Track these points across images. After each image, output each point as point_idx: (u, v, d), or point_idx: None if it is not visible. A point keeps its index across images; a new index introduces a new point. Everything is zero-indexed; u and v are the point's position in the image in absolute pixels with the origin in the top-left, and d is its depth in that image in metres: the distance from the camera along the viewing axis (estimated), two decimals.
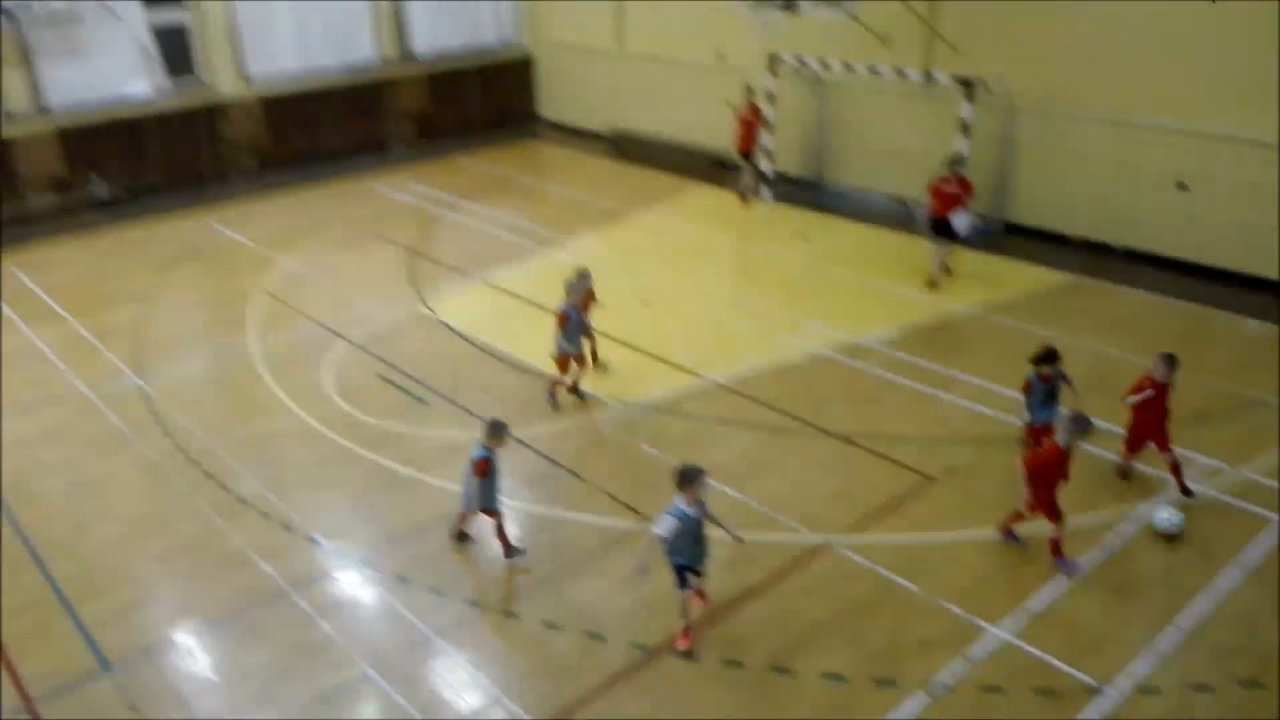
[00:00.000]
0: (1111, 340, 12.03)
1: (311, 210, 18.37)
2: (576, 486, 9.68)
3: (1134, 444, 9.23)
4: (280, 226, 17.49)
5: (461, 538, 8.90)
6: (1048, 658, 7.27)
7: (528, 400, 11.33)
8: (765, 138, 17.54)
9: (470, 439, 10.42)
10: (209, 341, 13.24)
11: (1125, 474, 9.43)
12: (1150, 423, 9.02)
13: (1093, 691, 6.94)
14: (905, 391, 11.12)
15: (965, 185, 13.33)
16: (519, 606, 8.09)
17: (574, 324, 10.90)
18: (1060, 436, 7.95)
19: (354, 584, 8.50)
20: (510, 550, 8.64)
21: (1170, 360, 8.98)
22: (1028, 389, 9.21)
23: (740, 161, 17.79)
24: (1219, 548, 8.33)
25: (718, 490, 9.42)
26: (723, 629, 7.73)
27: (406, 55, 22.54)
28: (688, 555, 7.43)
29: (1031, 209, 15.61)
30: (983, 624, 7.63)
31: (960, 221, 13.14)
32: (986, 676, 7.13)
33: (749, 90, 17.50)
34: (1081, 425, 7.92)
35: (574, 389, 11.24)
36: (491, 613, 8.05)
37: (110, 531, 9.27)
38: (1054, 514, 8.09)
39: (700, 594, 7.83)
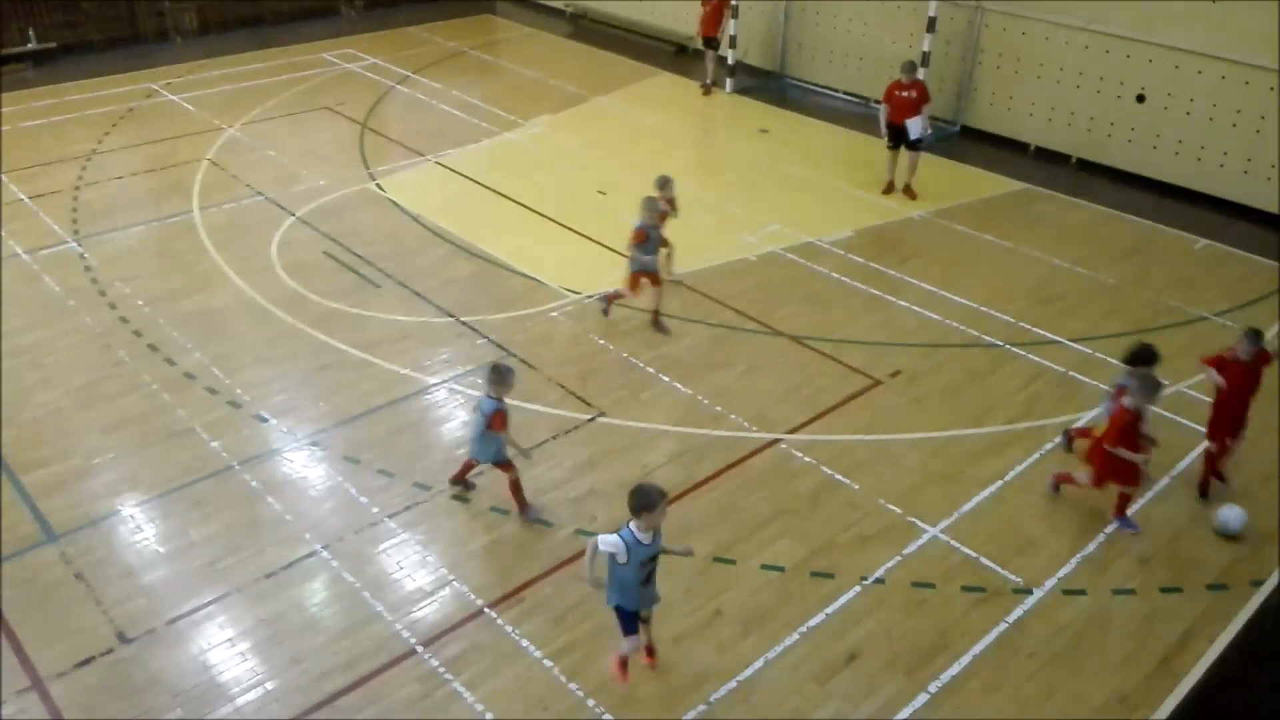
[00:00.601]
0: (1061, 252, 12.19)
1: (258, 77, 17.64)
2: (528, 375, 9.68)
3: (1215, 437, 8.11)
4: (225, 93, 16.81)
5: (465, 485, 8.24)
6: (979, 557, 7.56)
7: (478, 285, 11.23)
8: (731, 26, 17.13)
9: (418, 322, 10.41)
10: (151, 209, 12.81)
11: (1204, 491, 8.28)
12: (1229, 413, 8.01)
13: (1020, 591, 7.26)
14: (857, 294, 11.21)
15: (922, 91, 13.04)
16: (469, 491, 8.16)
17: (653, 240, 10.14)
18: (1130, 400, 7.43)
19: (303, 463, 8.49)
20: (525, 507, 7.92)
21: (1255, 336, 7.87)
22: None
23: (703, 48, 17.39)
24: (1154, 459, 8.62)
25: (667, 384, 9.52)
26: (669, 519, 7.84)
27: None
28: (633, 597, 6.09)
29: (989, 114, 15.58)
30: (919, 523, 7.89)
31: (914, 127, 12.98)
32: (920, 573, 7.41)
33: None
34: (1153, 387, 7.44)
35: (655, 320, 10.43)
36: (441, 496, 8.11)
37: (52, 400, 9.11)
38: (1132, 478, 7.65)
39: (649, 651, 6.61)
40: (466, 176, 13.95)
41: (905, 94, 12.95)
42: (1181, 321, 10.79)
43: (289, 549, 7.54)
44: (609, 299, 10.54)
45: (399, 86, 17.41)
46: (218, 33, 19.73)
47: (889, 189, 13.49)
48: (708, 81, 17.43)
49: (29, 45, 17.74)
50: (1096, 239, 12.66)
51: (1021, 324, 10.64)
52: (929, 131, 13.27)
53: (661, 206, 10.35)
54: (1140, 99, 13.97)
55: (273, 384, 9.43)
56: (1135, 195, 13.82)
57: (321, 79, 17.64)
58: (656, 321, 10.44)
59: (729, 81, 17.52)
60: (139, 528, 7.72)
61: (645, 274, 10.20)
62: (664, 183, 10.74)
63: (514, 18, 21.88)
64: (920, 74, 13.51)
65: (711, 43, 17.18)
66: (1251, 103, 12.95)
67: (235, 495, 8.05)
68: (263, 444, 8.67)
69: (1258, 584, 7.37)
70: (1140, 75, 13.87)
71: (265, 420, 8.95)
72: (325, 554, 7.49)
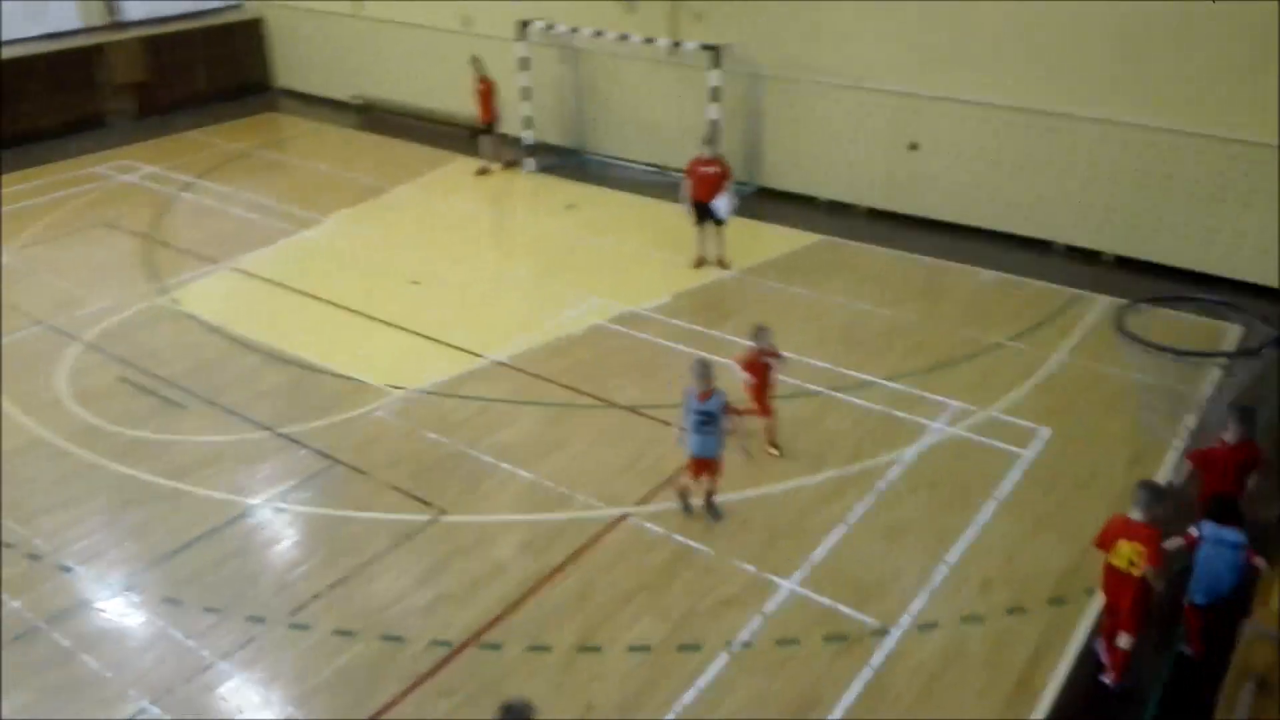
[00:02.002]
0: (861, 296, 12.80)
1: (23, 198, 16.41)
2: (359, 482, 9.26)
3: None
4: None
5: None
6: (836, 605, 7.69)
7: (294, 393, 10.72)
8: (524, 106, 17.31)
9: (232, 440, 9.80)
10: None
11: None
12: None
13: (878, 633, 7.41)
14: (683, 358, 11.31)
15: (724, 168, 13.31)
16: (307, 617, 7.66)
17: (717, 415, 8.21)
18: (1230, 434, 7.42)
19: (118, 612, 7.76)
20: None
21: (1246, 416, 7.58)
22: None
23: (482, 133, 17.48)
24: (974, 484, 9.09)
25: (508, 472, 9.31)
26: (526, 615, 7.65)
27: (115, 19, 20.48)
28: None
29: (781, 173, 16.31)
30: (774, 579, 7.96)
31: (721, 206, 13.33)
32: (782, 630, 7.46)
33: (476, 61, 17.15)
34: (1251, 416, 7.47)
35: (709, 503, 8.70)
36: (277, 626, 7.57)
37: None
38: None
39: None
40: (268, 280, 13.38)
41: (708, 169, 13.16)
42: (979, 351, 11.48)
43: (111, 709, 6.84)
44: (682, 494, 8.72)
45: (183, 194, 16.61)
46: None
47: (700, 263, 13.69)
48: (491, 163, 17.50)
49: None
50: (892, 281, 13.38)
51: (839, 369, 11.05)
52: (736, 204, 13.57)
53: (765, 359, 9.21)
54: (913, 147, 14.97)
55: (75, 528, 8.63)
56: (921, 236, 14.71)
57: (96, 193, 16.61)
58: (709, 503, 8.70)
59: (530, 161, 17.65)
60: None
61: (710, 460, 8.39)
62: (760, 332, 9.26)
63: (297, 113, 21.37)
64: (720, 147, 13.77)
65: (489, 127, 17.30)
66: (1012, 141, 14.09)
67: (44, 658, 7.27)
68: (70, 596, 7.89)
69: (1092, 591, 7.81)
70: (911, 125, 14.89)
71: (69, 569, 8.15)
72: (155, 710, 6.84)
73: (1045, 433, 9.79)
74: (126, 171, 17.65)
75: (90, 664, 7.21)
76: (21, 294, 12.94)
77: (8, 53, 18.80)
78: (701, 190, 13.23)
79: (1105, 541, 6.72)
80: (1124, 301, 12.35)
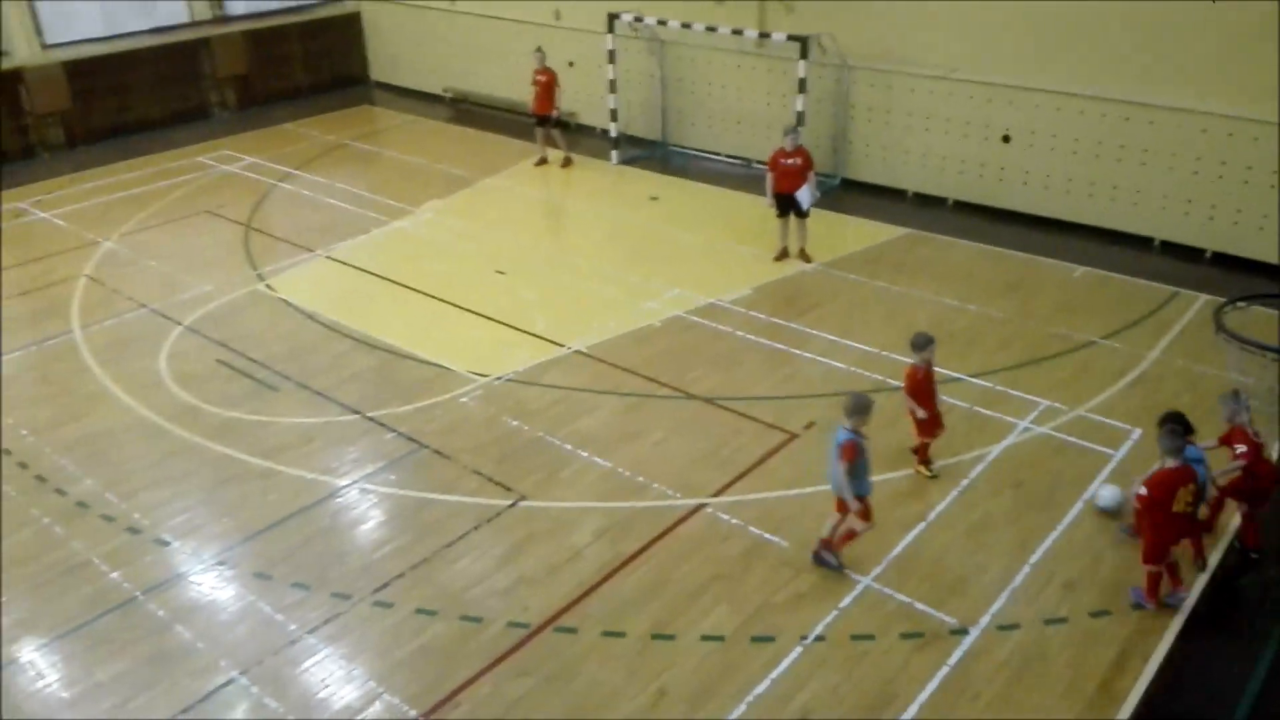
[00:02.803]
0: (948, 291, 12.56)
1: (131, 186, 17.15)
2: (443, 466, 9.46)
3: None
4: (97, 205, 16.28)
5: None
6: (914, 602, 7.59)
7: (382, 378, 10.99)
8: (610, 99, 17.43)
9: (322, 423, 10.10)
10: (28, 333, 12.21)
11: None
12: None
13: (957, 631, 7.30)
14: (762, 350, 11.33)
15: (806, 159, 13.17)
16: (390, 595, 7.87)
17: (863, 459, 7.64)
18: (1233, 415, 7.82)
19: (211, 585, 8.07)
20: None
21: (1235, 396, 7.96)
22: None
23: (536, 125, 17.57)
24: (1062, 485, 8.87)
25: (586, 460, 9.41)
26: (601, 601, 7.73)
27: (220, 14, 21.24)
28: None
29: (867, 165, 16.09)
30: (851, 574, 7.89)
31: (804, 197, 13.24)
32: (858, 625, 7.39)
33: (540, 52, 17.27)
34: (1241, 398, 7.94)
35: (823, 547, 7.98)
36: (362, 604, 7.79)
37: None
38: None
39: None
40: (359, 268, 13.73)
41: (790, 162, 13.04)
42: (1071, 349, 11.18)
43: (204, 679, 7.12)
44: (833, 545, 7.98)
45: (281, 184, 17.14)
46: (86, 144, 19.17)
47: (783, 255, 13.57)
48: (543, 156, 17.61)
49: None
50: (980, 276, 13.10)
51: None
52: (817, 195, 13.47)
53: (920, 373, 8.79)
54: (1006, 139, 14.62)
55: (172, 504, 9.00)
56: (1011, 231, 14.38)
57: (199, 183, 17.25)
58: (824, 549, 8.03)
59: (614, 154, 17.76)
60: (40, 675, 7.21)
61: (859, 500, 7.74)
62: (924, 342, 8.73)
63: (392, 106, 21.86)
64: (801, 138, 13.62)
65: (544, 120, 17.37)
66: (1110, 134, 13.67)
67: (141, 627, 7.60)
68: (166, 569, 8.23)
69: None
70: (1003, 117, 14.54)
71: (167, 543, 8.51)
72: (243, 680, 7.10)
73: (1137, 434, 9.49)
74: (228, 161, 18.28)
75: (184, 634, 7.52)
76: (126, 278, 13.53)
77: (120, 46, 19.65)
78: (784, 182, 13.14)
79: (1165, 496, 7.07)
80: (1223, 299, 11.86)
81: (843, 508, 7.75)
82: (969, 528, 8.38)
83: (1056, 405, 10.03)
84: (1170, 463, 7.08)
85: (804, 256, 13.55)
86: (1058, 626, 7.32)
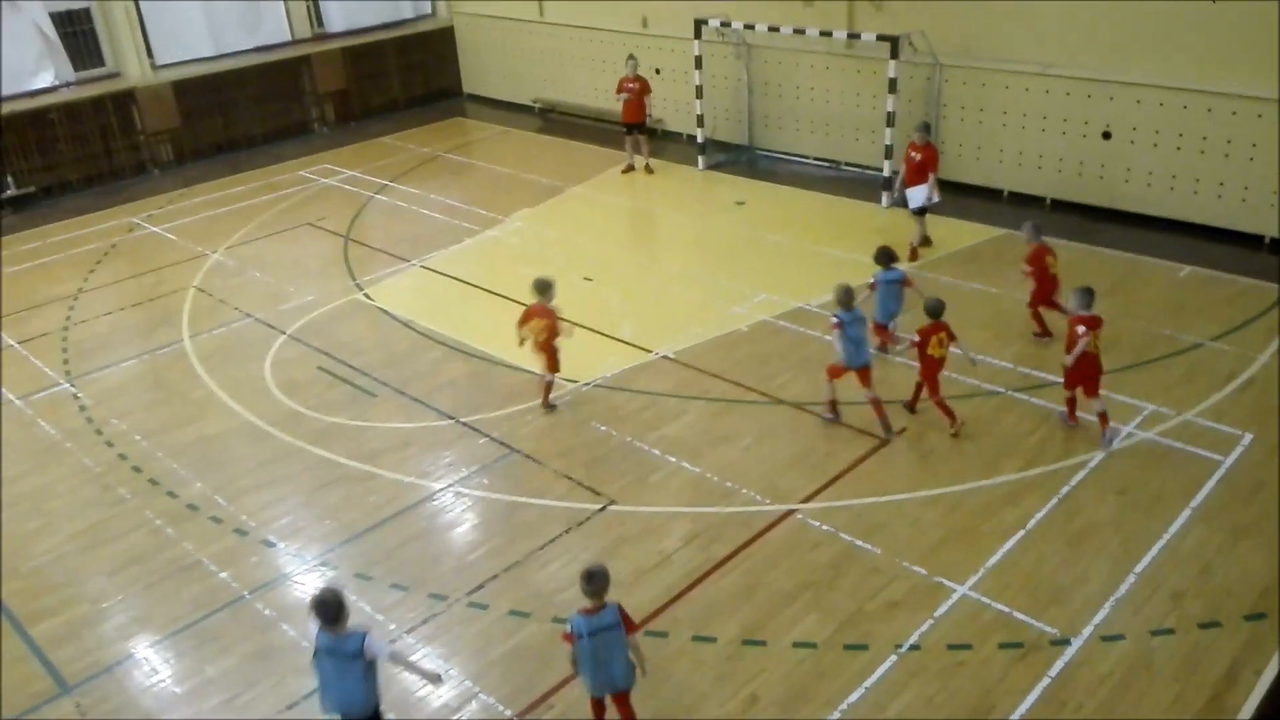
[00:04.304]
0: None
1: (236, 200, 17.83)
2: (534, 470, 9.60)
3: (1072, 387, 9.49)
4: (205, 218, 16.97)
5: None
6: (1012, 611, 7.42)
7: (475, 384, 11.20)
8: (697, 104, 17.47)
9: (419, 428, 10.33)
10: (141, 342, 12.81)
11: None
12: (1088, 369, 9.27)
13: (1059, 642, 7.11)
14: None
15: (928, 156, 13.07)
16: (484, 597, 8.02)
17: (850, 332, 9.37)
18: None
19: (314, 585, 8.31)
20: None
21: (1087, 293, 9.40)
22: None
23: (626, 133, 17.70)
24: (1168, 492, 8.58)
25: (674, 465, 9.44)
26: (690, 605, 7.75)
27: (320, 32, 21.94)
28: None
29: (961, 165, 15.78)
30: (946, 582, 7.75)
31: (915, 196, 13.10)
32: (954, 634, 7.26)
33: (632, 60, 17.39)
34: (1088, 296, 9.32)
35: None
36: (457, 605, 7.95)
37: (54, 547, 8.96)
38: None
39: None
40: (453, 277, 14.02)
41: (914, 155, 13.07)
42: (1177, 351, 10.79)
43: (309, 677, 7.25)
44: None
45: (378, 196, 17.61)
46: (194, 161, 19.99)
47: (910, 254, 13.49)
48: (630, 163, 17.76)
49: (7, 192, 17.92)
50: (1081, 276, 12.65)
51: (1020, 369, 10.63)
52: (933, 199, 13.19)
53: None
54: (1106, 135, 14.19)
55: (277, 507, 9.32)
56: (1113, 229, 13.95)
57: (300, 196, 17.84)
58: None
59: (700, 159, 17.78)
60: (153, 670, 7.54)
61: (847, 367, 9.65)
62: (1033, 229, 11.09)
63: (484, 118, 22.27)
64: (928, 135, 13.41)
65: (633, 128, 17.47)
66: (1216, 128, 13.16)
67: (249, 626, 7.88)
68: (272, 570, 8.53)
69: None
70: (1103, 113, 14.12)
71: (273, 545, 8.82)
72: None
73: (1247, 439, 9.12)
74: (328, 175, 18.86)
75: (289, 632, 7.78)
76: (232, 289, 14.06)
77: (225, 65, 20.45)
78: (908, 176, 13.18)
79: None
80: None
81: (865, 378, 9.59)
82: (1071, 536, 8.15)
83: (1163, 409, 9.70)
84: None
85: (913, 254, 13.40)
86: (1164, 638, 7.07)
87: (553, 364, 10.44)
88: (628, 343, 11.83)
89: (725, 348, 11.56)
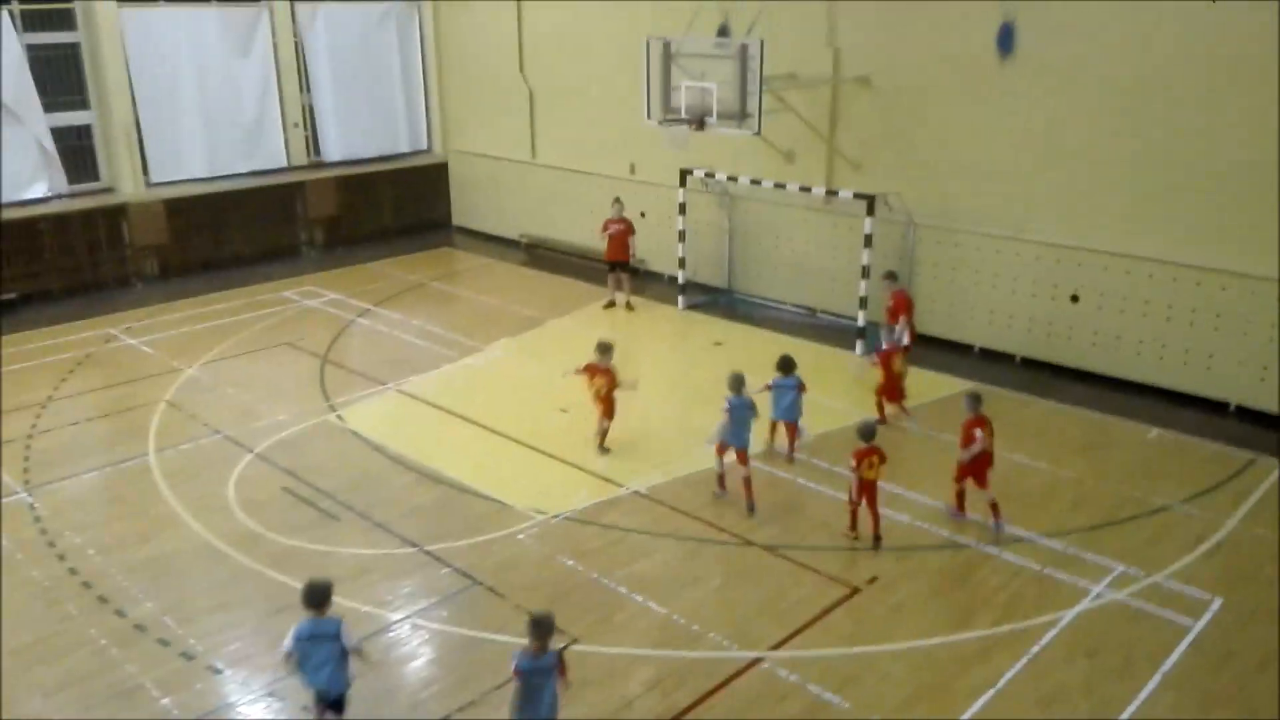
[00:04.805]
0: (1017, 448, 12.32)
1: (217, 317, 17.89)
2: (495, 604, 9.37)
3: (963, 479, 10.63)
4: (184, 334, 16.98)
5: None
6: None
7: (442, 512, 11.04)
8: (679, 247, 17.92)
9: (381, 554, 10.12)
10: (105, 454, 12.61)
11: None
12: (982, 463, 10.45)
13: None
14: (826, 500, 11.17)
15: (898, 301, 13.78)
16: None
17: (736, 416, 11.01)
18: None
19: (259, 717, 8.00)
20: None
21: (975, 398, 10.61)
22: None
23: (610, 270, 18.14)
24: (1138, 656, 8.46)
25: (640, 604, 9.26)
26: None
27: (317, 160, 22.51)
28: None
29: (934, 319, 16.13)
30: None
31: (883, 335, 13.54)
32: None
33: (618, 202, 17.94)
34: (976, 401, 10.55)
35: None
36: None
37: None
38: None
39: None
40: (428, 403, 14.00)
41: (888, 301, 13.79)
42: (1146, 512, 10.83)
43: None
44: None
45: (360, 319, 17.74)
46: (180, 276, 20.13)
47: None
48: (612, 299, 18.13)
49: None
50: (1049, 434, 12.88)
51: (990, 522, 10.61)
52: (901, 342, 13.52)
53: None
54: (1074, 299, 14.60)
55: (228, 631, 9.01)
56: (1082, 389, 14.18)
57: (282, 316, 17.93)
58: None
59: (680, 299, 18.11)
60: None
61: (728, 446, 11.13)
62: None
63: (471, 250, 22.69)
64: (896, 283, 14.25)
65: (617, 266, 17.93)
66: (1182, 297, 13.57)
67: None
68: (216, 698, 8.19)
69: None
70: (1073, 277, 14.56)
71: (219, 671, 8.49)
72: None
73: (1217, 604, 9.07)
74: (311, 297, 19.02)
75: None
76: (204, 405, 13.96)
77: (219, 187, 20.86)
78: (887, 317, 13.78)
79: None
80: None
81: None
82: (1041, 698, 7.99)
83: (1132, 571, 9.67)
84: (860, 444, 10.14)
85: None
86: None
87: (609, 412, 12.19)
88: (600, 476, 11.76)
89: (698, 486, 11.50)
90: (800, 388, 11.91)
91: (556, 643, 8.60)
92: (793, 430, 12.09)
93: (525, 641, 6.95)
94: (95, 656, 8.63)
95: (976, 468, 10.38)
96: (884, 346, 13.14)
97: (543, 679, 6.91)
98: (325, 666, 7.10)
